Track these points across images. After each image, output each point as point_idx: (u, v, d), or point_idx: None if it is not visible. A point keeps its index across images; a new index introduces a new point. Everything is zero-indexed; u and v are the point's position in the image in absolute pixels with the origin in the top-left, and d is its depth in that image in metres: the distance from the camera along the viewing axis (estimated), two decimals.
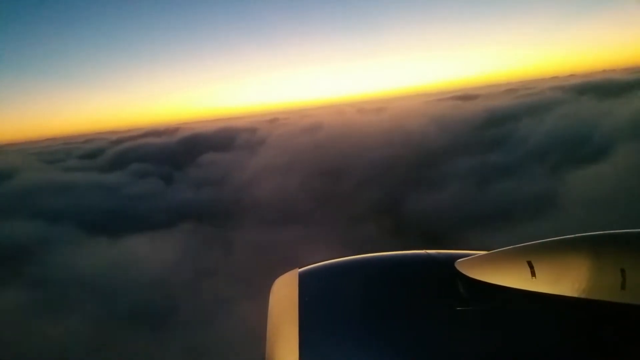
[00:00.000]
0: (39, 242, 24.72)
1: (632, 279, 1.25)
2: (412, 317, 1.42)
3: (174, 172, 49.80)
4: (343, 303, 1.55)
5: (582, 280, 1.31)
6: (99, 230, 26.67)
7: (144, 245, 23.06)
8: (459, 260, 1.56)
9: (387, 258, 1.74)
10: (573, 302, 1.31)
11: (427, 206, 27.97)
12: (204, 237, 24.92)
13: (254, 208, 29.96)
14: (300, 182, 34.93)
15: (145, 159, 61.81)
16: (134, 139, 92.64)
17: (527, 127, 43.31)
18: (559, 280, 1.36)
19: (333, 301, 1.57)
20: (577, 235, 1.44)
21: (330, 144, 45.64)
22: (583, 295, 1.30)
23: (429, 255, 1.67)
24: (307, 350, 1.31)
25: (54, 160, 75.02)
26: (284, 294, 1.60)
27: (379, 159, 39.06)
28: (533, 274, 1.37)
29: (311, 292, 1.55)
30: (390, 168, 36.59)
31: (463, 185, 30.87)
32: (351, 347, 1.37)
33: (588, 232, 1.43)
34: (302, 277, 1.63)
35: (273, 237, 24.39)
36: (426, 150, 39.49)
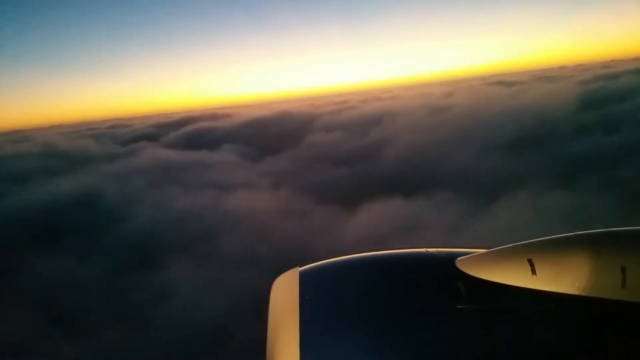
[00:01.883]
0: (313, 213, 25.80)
1: (632, 277, 1.27)
2: (412, 316, 1.43)
3: (285, 152, 50.07)
4: (344, 302, 1.57)
5: (583, 277, 1.32)
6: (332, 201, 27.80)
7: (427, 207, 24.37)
8: (460, 258, 1.57)
9: (388, 257, 1.76)
10: (574, 299, 1.31)
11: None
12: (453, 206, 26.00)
13: (454, 180, 31.18)
14: (471, 155, 36.12)
15: (226, 141, 61.76)
16: (184, 123, 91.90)
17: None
18: (559, 278, 1.36)
19: (334, 300, 1.59)
20: (577, 232, 1.46)
21: (457, 121, 47.04)
22: (584, 293, 1.31)
23: (429, 253, 1.68)
24: (308, 349, 1.32)
25: (120, 143, 74.28)
26: (284, 293, 1.62)
27: (519, 137, 40.46)
28: (533, 271, 1.38)
29: (312, 291, 1.57)
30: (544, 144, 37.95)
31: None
32: (352, 346, 1.38)
33: (588, 230, 1.46)
34: (303, 276, 1.65)
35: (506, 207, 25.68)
36: (566, 129, 41.08)
